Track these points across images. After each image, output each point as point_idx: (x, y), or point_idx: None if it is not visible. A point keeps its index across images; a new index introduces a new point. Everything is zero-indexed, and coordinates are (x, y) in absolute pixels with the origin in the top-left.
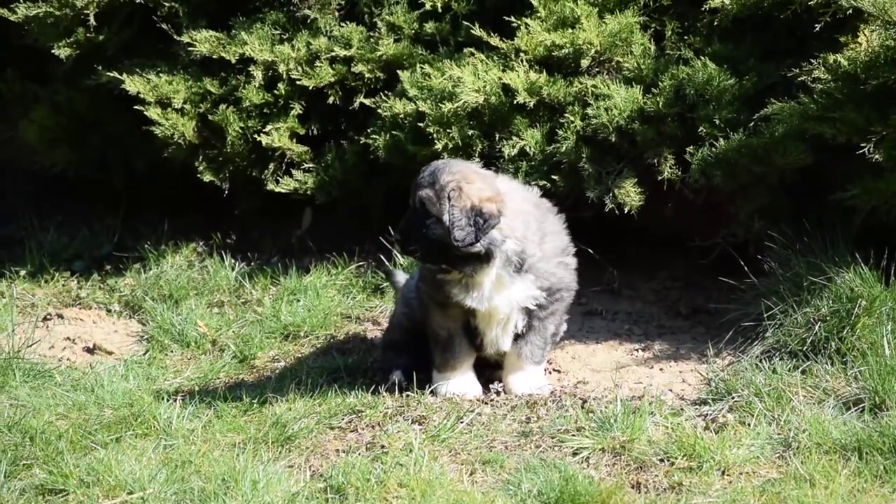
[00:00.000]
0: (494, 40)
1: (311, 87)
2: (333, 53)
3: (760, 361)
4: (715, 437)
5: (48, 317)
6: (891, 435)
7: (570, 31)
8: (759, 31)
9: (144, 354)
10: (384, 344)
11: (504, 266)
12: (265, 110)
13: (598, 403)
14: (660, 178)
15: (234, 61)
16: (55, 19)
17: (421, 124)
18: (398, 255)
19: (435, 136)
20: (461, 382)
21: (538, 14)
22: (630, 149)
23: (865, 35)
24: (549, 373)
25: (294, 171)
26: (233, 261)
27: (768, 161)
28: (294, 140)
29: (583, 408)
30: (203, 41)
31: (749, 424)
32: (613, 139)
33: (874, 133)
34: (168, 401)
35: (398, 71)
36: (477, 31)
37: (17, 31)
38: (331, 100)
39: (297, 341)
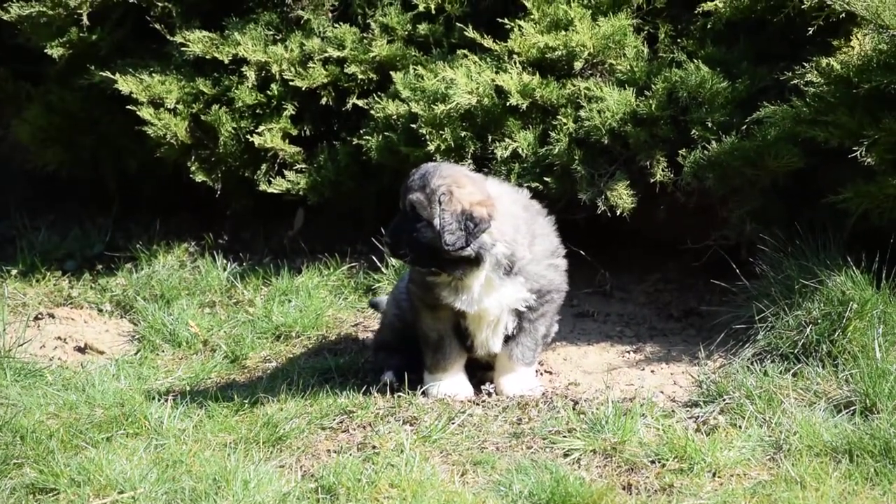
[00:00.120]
0: (488, 42)
1: (304, 88)
2: (326, 54)
3: (752, 364)
4: (706, 438)
5: (39, 316)
6: (881, 437)
7: (563, 33)
8: (752, 34)
9: (136, 354)
10: (375, 345)
11: (494, 269)
12: (258, 111)
13: (590, 405)
14: (652, 180)
15: (227, 62)
16: (48, 19)
17: (414, 125)
18: (389, 257)
19: (428, 137)
20: (452, 383)
21: (531, 16)
22: (623, 151)
23: (858, 39)
24: (541, 374)
25: (286, 172)
26: (224, 261)
27: (761, 164)
28: (287, 141)
29: (574, 409)
30: (196, 41)
31: (740, 426)
32: (606, 141)
33: (866, 137)
34: (159, 400)
35: (391, 72)
36: (470, 32)
37: (9, 30)
38: (324, 101)
39: (289, 342)
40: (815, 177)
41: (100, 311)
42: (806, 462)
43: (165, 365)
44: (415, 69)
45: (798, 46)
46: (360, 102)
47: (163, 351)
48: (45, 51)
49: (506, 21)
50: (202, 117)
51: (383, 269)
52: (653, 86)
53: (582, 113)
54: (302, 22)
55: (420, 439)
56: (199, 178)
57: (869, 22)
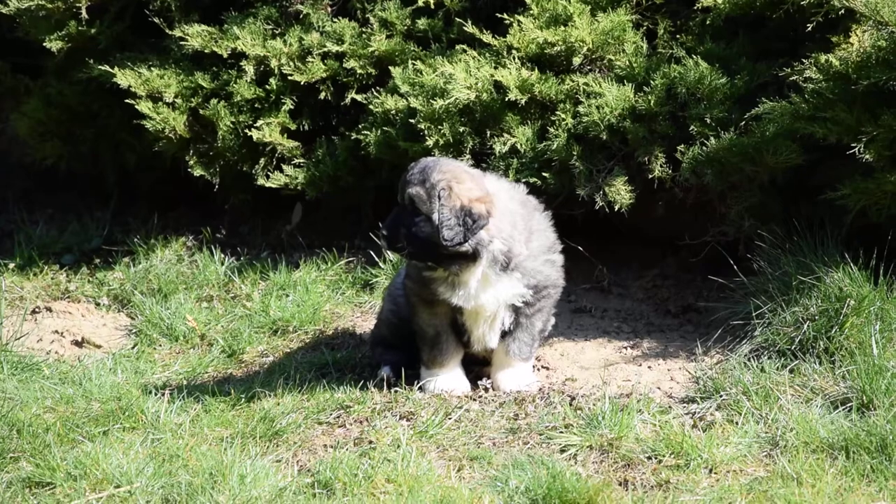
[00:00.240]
0: (487, 37)
1: (302, 83)
2: (325, 49)
3: (749, 360)
4: (703, 435)
5: (37, 310)
6: (878, 434)
7: (562, 28)
8: (751, 30)
9: (133, 348)
10: (372, 340)
11: (490, 265)
12: (256, 105)
13: (587, 401)
14: (650, 176)
15: (225, 56)
16: (47, 12)
17: (412, 121)
18: (386, 250)
19: (426, 132)
20: (449, 379)
21: (531, 11)
22: (621, 147)
23: (857, 35)
24: (538, 370)
25: (285, 167)
26: (222, 255)
27: (759, 160)
28: (285, 135)
29: (571, 405)
30: (195, 35)
31: (737, 423)
32: (605, 137)
33: (865, 133)
34: (156, 395)
35: (390, 67)
36: (469, 27)
37: (8, 23)
38: (322, 95)
39: (286, 336)
40: (814, 173)
41: (97, 304)
42: (802, 458)
43: (162, 359)
44: (414, 64)
45: (797, 43)
46: (358, 97)
47: (160, 345)
48: (44, 44)
49: (505, 16)
50: (201, 111)
51: (381, 264)
52: (652, 81)
53: (580, 108)
54: (301, 16)
55: (417, 434)
56: (198, 172)
57: (868, 18)
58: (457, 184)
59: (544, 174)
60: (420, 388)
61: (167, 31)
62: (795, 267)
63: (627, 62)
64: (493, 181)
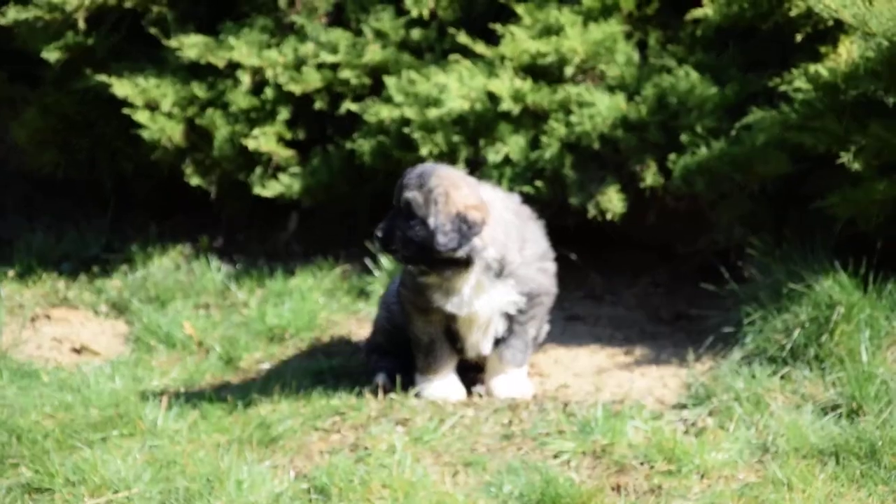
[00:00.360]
0: (480, 47)
1: (298, 93)
2: (320, 59)
3: (740, 367)
4: (694, 440)
5: (35, 317)
6: (867, 440)
7: (554, 39)
8: (741, 41)
9: (131, 355)
10: (368, 347)
11: (484, 272)
12: (252, 115)
13: (580, 407)
14: (642, 185)
15: (221, 66)
16: (45, 23)
17: (406, 130)
18: (382, 258)
19: (420, 141)
20: (444, 385)
21: (523, 22)
22: (613, 156)
23: (846, 46)
24: (532, 376)
25: (281, 176)
26: (219, 263)
27: (749, 169)
28: (281, 144)
29: (564, 411)
30: (191, 46)
31: (728, 429)
32: (597, 146)
33: (853, 143)
34: (154, 401)
35: (384, 77)
36: (462, 38)
37: (6, 34)
38: (317, 105)
39: (283, 343)
40: (803, 182)
41: (95, 312)
42: (793, 464)
43: (160, 366)
44: (408, 74)
45: (786, 53)
46: (353, 107)
47: (158, 352)
48: (42, 55)
49: (497, 27)
50: (197, 121)
51: (376, 272)
52: (643, 91)
53: (573, 118)
54: (296, 27)
55: (412, 440)
56: (194, 181)
57: (856, 30)
58: (454, 190)
59: (537, 183)
60: (415, 394)
61: (163, 41)
62: (786, 275)
63: (619, 72)
64: (488, 190)
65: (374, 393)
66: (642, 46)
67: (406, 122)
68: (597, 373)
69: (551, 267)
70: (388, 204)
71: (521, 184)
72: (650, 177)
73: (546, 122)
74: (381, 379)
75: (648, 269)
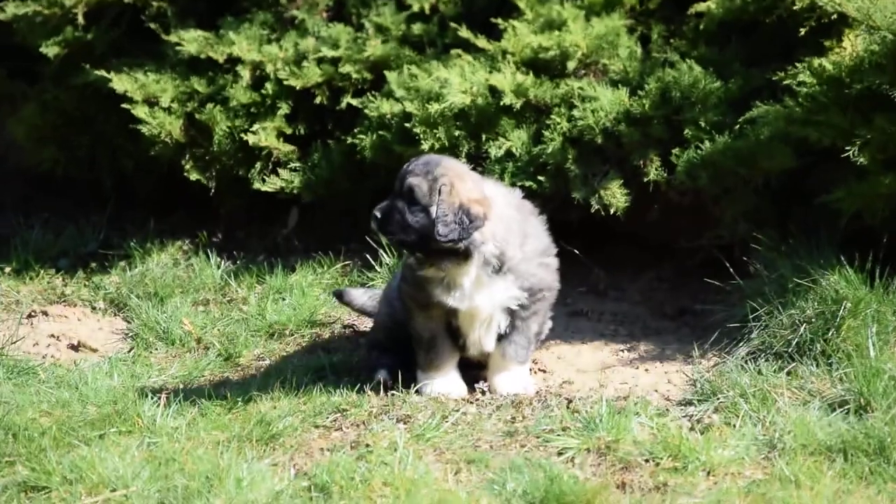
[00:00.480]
0: (481, 42)
1: (298, 87)
2: (321, 54)
3: (746, 363)
4: (700, 437)
5: (33, 314)
6: (876, 436)
7: (556, 33)
8: (744, 35)
9: (129, 352)
10: (369, 343)
11: (483, 266)
12: (252, 110)
13: (584, 403)
14: (646, 179)
15: (221, 61)
16: (44, 18)
17: (408, 125)
18: (383, 253)
19: (421, 136)
20: (445, 382)
21: (525, 16)
22: (616, 151)
23: (850, 40)
24: (535, 373)
25: (281, 171)
26: (218, 259)
27: (753, 164)
28: (281, 139)
29: (568, 408)
30: (191, 41)
31: (734, 425)
32: (599, 141)
33: (858, 136)
34: (152, 398)
35: (385, 72)
36: (464, 32)
37: (5, 29)
38: (318, 100)
39: (283, 340)
40: (808, 177)
41: (93, 308)
42: (800, 461)
43: (159, 363)
44: (409, 69)
45: (790, 47)
46: (354, 102)
47: (156, 349)
48: (41, 50)
49: (499, 21)
50: (197, 116)
51: (377, 268)
52: (646, 86)
53: (575, 112)
54: (296, 21)
55: (414, 438)
56: (194, 176)
57: (860, 23)
58: (459, 182)
59: (540, 178)
60: (417, 391)
61: (163, 36)
62: (791, 270)
63: (622, 66)
64: (491, 185)
65: (376, 390)
66: (645, 41)
67: (407, 116)
68: (601, 369)
69: (553, 262)
70: None
71: (523, 178)
72: (653, 171)
73: (548, 116)
74: (382, 375)
75: (652, 265)
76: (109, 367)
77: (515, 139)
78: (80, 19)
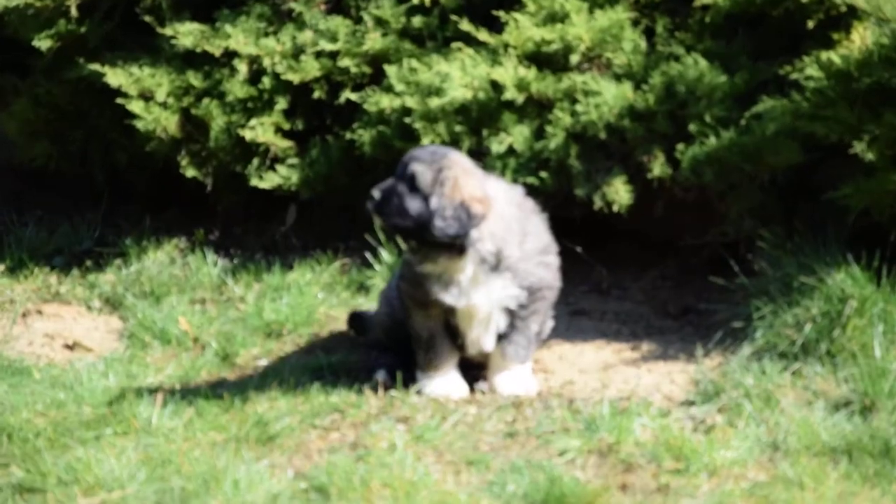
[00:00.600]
0: (483, 35)
1: (296, 82)
2: (319, 47)
3: (750, 362)
4: (703, 438)
5: (27, 313)
6: (881, 437)
7: (559, 26)
8: (751, 28)
9: (125, 351)
10: (368, 343)
11: (479, 263)
12: (249, 105)
13: (585, 404)
14: (650, 176)
15: (218, 55)
16: (36, 11)
17: (407, 120)
18: (383, 251)
19: (421, 131)
20: (445, 382)
21: (527, 9)
22: (620, 146)
23: (859, 33)
24: (536, 373)
25: (278, 167)
26: (215, 257)
27: (759, 159)
28: (279, 135)
29: (569, 408)
30: (186, 34)
31: (737, 426)
32: (603, 136)
33: (867, 132)
34: (148, 399)
35: (385, 66)
36: (465, 25)
37: None
38: (316, 94)
39: (280, 339)
40: (815, 173)
41: (88, 307)
42: (804, 462)
43: (155, 362)
44: (409, 62)
45: (798, 40)
46: (353, 96)
47: (152, 348)
48: (33, 43)
49: (501, 14)
50: (193, 111)
51: (376, 266)
52: (650, 80)
53: (578, 107)
54: (294, 14)
55: (413, 439)
56: (190, 172)
57: (870, 15)
58: (464, 177)
59: (542, 174)
60: (416, 391)
61: (158, 29)
62: (797, 268)
63: (626, 60)
64: (493, 182)
65: (375, 390)
66: (650, 34)
67: (407, 111)
68: (603, 369)
69: (554, 261)
70: None
71: (525, 175)
72: (658, 167)
73: (551, 111)
74: (381, 376)
75: (656, 263)
76: (105, 367)
77: (517, 134)
78: (74, 12)
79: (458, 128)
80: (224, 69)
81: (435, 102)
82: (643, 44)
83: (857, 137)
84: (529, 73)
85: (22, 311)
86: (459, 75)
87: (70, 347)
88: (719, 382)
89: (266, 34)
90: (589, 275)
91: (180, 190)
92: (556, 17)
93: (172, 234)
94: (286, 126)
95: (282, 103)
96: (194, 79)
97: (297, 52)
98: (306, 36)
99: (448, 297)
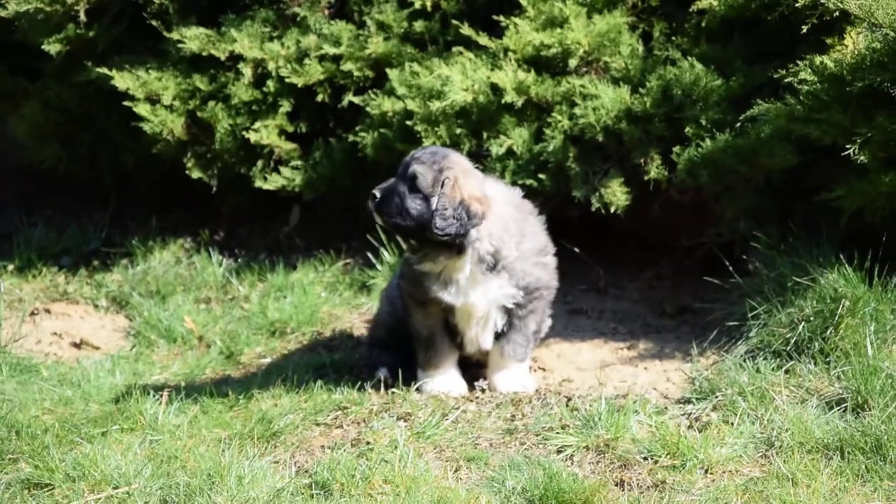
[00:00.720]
0: (483, 39)
1: (300, 85)
2: (323, 51)
3: (744, 361)
4: (698, 435)
5: (35, 311)
6: (872, 435)
7: (558, 30)
8: (746, 32)
9: (131, 350)
10: (370, 341)
11: (477, 263)
12: (254, 107)
13: (583, 401)
14: (646, 178)
15: (223, 58)
16: (45, 15)
17: (409, 122)
18: (384, 251)
19: (423, 134)
20: (445, 380)
21: (527, 14)
22: (617, 149)
23: (852, 37)
24: (534, 371)
25: (282, 169)
26: (220, 257)
27: (754, 162)
28: (283, 137)
29: (567, 406)
30: (193, 38)
31: (732, 423)
32: (601, 139)
33: (859, 134)
34: (154, 396)
35: (387, 69)
36: (466, 30)
37: (6, 26)
38: (320, 97)
39: (284, 338)
40: (809, 174)
41: (96, 306)
42: (797, 459)
43: (161, 360)
44: (410, 66)
45: (792, 44)
46: (355, 99)
47: (158, 347)
48: (43, 47)
49: (501, 18)
50: (198, 114)
51: (378, 266)
52: (647, 83)
53: (577, 110)
54: (298, 19)
55: (414, 435)
56: (196, 174)
57: (862, 20)
58: (464, 178)
59: (540, 176)
60: (417, 389)
61: (165, 33)
62: (790, 268)
63: (623, 64)
64: (492, 184)
65: (376, 388)
66: (647, 38)
67: (409, 114)
68: (600, 367)
69: (551, 261)
70: None
71: (524, 176)
72: (654, 169)
73: (550, 114)
74: (382, 373)
75: (652, 263)
76: (111, 365)
77: (516, 137)
78: (82, 16)
79: (458, 130)
80: (229, 73)
81: (436, 105)
82: (640, 48)
83: (850, 140)
84: (529, 77)
85: (30, 309)
86: (460, 79)
87: (77, 345)
88: (714, 380)
89: (271, 38)
90: (587, 274)
91: (186, 191)
92: (555, 22)
93: (178, 235)
94: (290, 128)
95: (286, 106)
96: (200, 82)
97: (301, 56)
98: (310, 40)
99: (447, 296)
